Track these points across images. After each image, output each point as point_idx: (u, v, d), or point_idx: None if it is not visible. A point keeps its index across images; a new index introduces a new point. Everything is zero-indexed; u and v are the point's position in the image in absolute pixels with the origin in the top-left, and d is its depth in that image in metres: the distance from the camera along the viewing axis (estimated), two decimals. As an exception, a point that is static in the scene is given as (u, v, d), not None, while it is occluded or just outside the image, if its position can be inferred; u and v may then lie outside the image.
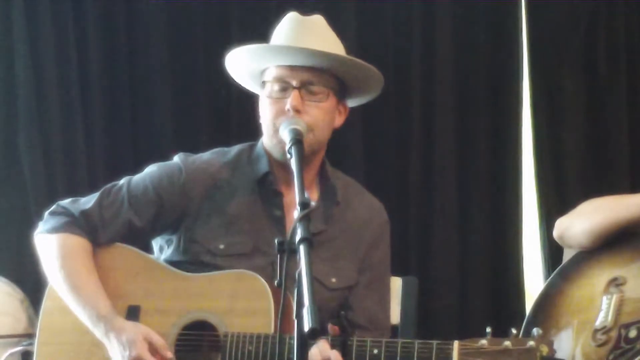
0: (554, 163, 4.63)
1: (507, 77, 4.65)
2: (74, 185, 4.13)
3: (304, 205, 2.35)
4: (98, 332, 2.86)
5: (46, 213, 3.03)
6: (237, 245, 2.94)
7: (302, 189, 2.44)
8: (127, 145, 4.36)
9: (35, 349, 2.97)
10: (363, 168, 4.49)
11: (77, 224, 2.96)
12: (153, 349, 2.80)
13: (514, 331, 2.60)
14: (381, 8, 4.55)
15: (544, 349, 2.54)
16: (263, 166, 3.00)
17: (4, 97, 4.21)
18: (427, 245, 4.57)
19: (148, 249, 3.08)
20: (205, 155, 3.07)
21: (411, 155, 4.58)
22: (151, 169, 3.05)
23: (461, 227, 4.59)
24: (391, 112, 4.55)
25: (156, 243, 3.08)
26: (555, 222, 3.20)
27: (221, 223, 2.96)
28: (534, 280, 4.61)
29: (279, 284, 2.30)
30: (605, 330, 2.93)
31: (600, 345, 2.92)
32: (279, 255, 2.30)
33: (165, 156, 3.14)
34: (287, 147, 2.71)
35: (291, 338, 2.29)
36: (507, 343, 2.56)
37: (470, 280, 4.58)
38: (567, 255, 3.18)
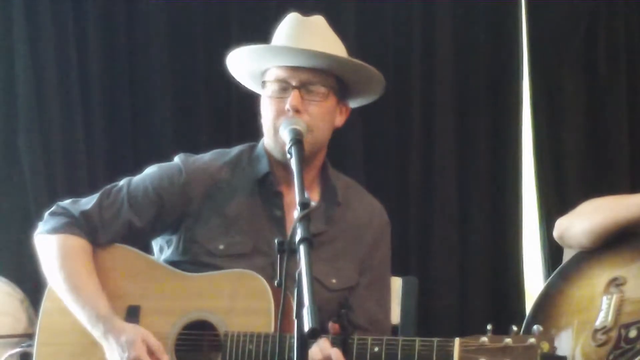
0: (554, 163, 4.63)
1: (507, 77, 4.65)
2: (74, 185, 4.13)
3: (304, 205, 2.35)
4: (97, 333, 2.86)
5: (46, 213, 3.03)
6: (237, 246, 2.94)
7: (302, 189, 2.44)
8: (127, 145, 4.36)
9: (34, 349, 2.97)
10: (363, 168, 4.49)
11: (77, 224, 2.96)
12: (151, 352, 2.80)
13: (514, 328, 2.60)
14: (381, 8, 4.55)
15: (545, 346, 2.54)
16: (263, 166, 3.00)
17: (4, 97, 4.21)
18: (427, 245, 4.57)
19: (148, 249, 3.08)
20: (206, 156, 3.07)
21: (411, 155, 4.58)
22: (151, 170, 3.05)
23: (461, 227, 4.59)
24: (391, 112, 4.55)
25: (156, 243, 3.08)
26: (555, 222, 3.20)
27: (221, 223, 2.96)
28: (534, 280, 4.61)
29: (279, 284, 2.30)
30: (605, 330, 2.93)
31: (600, 345, 2.92)
32: (279, 256, 2.30)
33: (165, 156, 3.14)
34: (287, 147, 2.71)
35: (291, 337, 2.29)
36: (508, 340, 2.55)
37: (470, 280, 4.58)
38: (567, 255, 3.18)
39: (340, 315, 2.93)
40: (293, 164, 2.61)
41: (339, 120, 3.01)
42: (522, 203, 4.63)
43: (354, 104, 3.08)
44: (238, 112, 4.36)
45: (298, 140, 2.71)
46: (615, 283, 3.00)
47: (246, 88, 3.12)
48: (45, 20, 4.22)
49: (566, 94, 4.65)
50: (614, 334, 2.92)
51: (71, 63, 4.26)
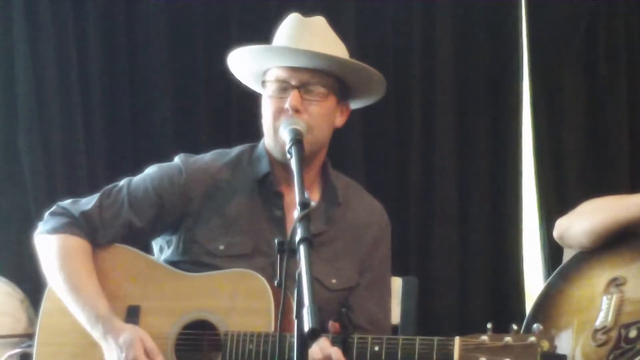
0: (554, 163, 4.63)
1: (507, 77, 4.64)
2: (74, 185, 4.13)
3: (304, 205, 2.35)
4: (96, 334, 2.86)
5: (46, 213, 3.03)
6: (237, 246, 2.94)
7: (302, 189, 2.44)
8: (127, 145, 4.36)
9: (34, 349, 2.97)
10: (363, 168, 4.49)
11: (77, 224, 2.96)
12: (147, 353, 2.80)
13: (514, 327, 2.60)
14: (381, 8, 4.55)
15: (545, 344, 2.54)
16: (264, 166, 3.00)
17: (4, 97, 4.21)
18: (427, 245, 4.57)
19: (148, 249, 3.08)
20: (206, 156, 3.07)
21: (411, 155, 4.58)
22: (151, 170, 3.05)
23: (461, 227, 4.59)
24: (391, 112, 4.55)
25: (156, 244, 3.08)
26: (555, 222, 3.20)
27: (221, 223, 2.96)
28: (534, 280, 4.61)
29: (279, 284, 2.30)
30: (605, 330, 2.93)
31: (600, 345, 2.93)
32: (279, 256, 2.30)
33: (165, 156, 3.14)
34: (287, 147, 2.71)
35: (292, 336, 2.29)
36: (508, 339, 2.56)
37: (470, 280, 4.58)
38: (567, 255, 3.18)
39: (340, 315, 2.93)
40: (293, 164, 2.61)
41: (339, 120, 3.01)
42: (522, 203, 4.62)
43: (356, 105, 3.08)
44: (238, 112, 4.36)
45: (298, 140, 2.71)
46: (615, 283, 3.00)
47: (246, 88, 3.12)
48: (45, 20, 4.22)
49: (566, 94, 4.65)
50: (614, 334, 2.92)
51: (71, 63, 4.26)
